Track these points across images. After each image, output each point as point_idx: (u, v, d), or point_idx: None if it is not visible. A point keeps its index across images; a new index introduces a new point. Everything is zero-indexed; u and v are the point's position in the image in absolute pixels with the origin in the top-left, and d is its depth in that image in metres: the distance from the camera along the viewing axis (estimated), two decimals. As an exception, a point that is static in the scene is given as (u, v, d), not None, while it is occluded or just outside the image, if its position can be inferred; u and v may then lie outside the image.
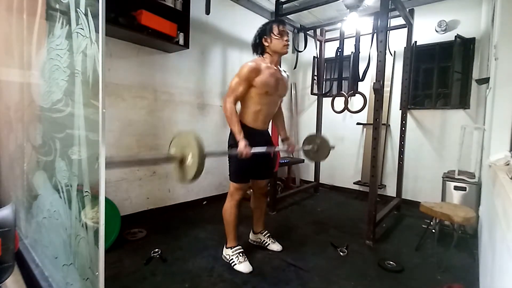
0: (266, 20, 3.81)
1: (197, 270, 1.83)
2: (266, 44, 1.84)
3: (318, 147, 2.41)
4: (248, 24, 3.67)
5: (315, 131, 3.92)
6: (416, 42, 3.32)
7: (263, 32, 1.84)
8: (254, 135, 1.88)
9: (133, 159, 1.16)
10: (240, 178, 1.89)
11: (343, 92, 3.12)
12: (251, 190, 2.18)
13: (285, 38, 1.82)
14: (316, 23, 4.02)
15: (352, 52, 2.95)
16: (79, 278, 1.03)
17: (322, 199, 3.71)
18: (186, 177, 1.30)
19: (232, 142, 1.89)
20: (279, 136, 2.25)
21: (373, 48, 2.62)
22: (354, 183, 3.89)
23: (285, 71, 2.00)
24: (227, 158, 1.94)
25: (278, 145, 2.81)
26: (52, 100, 1.20)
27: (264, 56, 1.88)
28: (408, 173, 3.43)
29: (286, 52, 1.87)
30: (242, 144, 1.68)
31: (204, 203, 3.26)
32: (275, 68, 1.88)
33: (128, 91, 2.53)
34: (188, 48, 2.70)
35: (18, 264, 1.40)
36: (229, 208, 1.93)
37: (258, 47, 1.88)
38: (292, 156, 4.49)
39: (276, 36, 1.80)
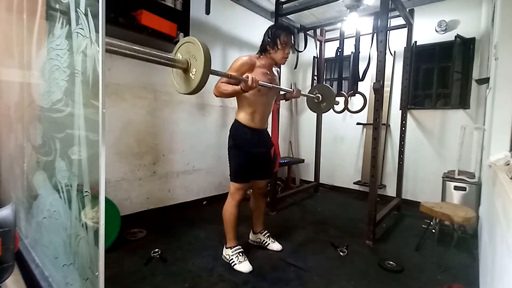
0: (266, 20, 3.88)
1: (197, 270, 1.83)
2: (269, 49, 1.86)
3: (323, 97, 2.39)
4: (248, 24, 3.68)
5: (315, 131, 3.92)
6: (416, 42, 3.32)
7: (271, 38, 1.85)
8: (252, 134, 1.89)
9: (133, 51, 1.10)
10: (240, 178, 1.89)
11: (343, 92, 3.12)
12: (251, 190, 2.19)
13: (287, 51, 1.86)
14: (316, 23, 4.02)
15: (352, 52, 2.96)
16: (79, 278, 1.03)
17: (322, 199, 3.71)
18: (189, 87, 1.23)
19: (233, 143, 1.90)
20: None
21: (373, 48, 2.63)
22: (354, 183, 3.89)
23: (276, 69, 2.03)
24: (228, 158, 1.94)
25: (277, 146, 2.81)
26: (52, 100, 1.20)
27: (261, 56, 1.90)
28: (408, 173, 3.43)
29: (283, 63, 1.94)
30: (249, 78, 1.61)
31: (204, 203, 3.26)
32: (268, 68, 1.91)
33: (128, 91, 2.53)
34: (188, 48, 2.70)
35: (18, 264, 1.40)
36: (229, 208, 1.93)
37: (263, 49, 1.90)
38: (292, 156, 4.49)
39: (279, 46, 1.83)
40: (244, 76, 1.63)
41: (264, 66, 1.87)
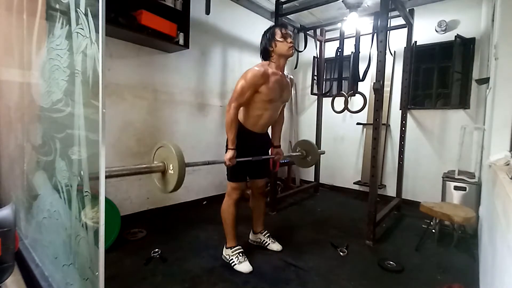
0: (266, 20, 3.88)
1: (197, 270, 1.83)
2: (271, 48, 1.81)
3: (307, 153, 2.42)
4: (248, 24, 3.68)
5: (315, 131, 3.92)
6: (416, 42, 3.32)
7: (267, 38, 1.83)
8: (252, 138, 1.89)
9: (115, 172, 1.19)
10: (236, 177, 1.90)
11: (343, 92, 3.12)
12: (251, 191, 2.19)
13: (289, 40, 1.80)
14: (316, 23, 4.02)
15: (352, 52, 2.95)
16: (79, 278, 1.03)
17: (322, 199, 3.71)
18: (167, 188, 1.35)
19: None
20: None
21: (373, 48, 2.63)
22: (354, 183, 3.89)
23: (289, 74, 1.98)
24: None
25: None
26: (52, 100, 1.20)
27: (270, 60, 1.85)
28: (408, 173, 3.43)
29: (292, 54, 1.85)
30: (229, 154, 1.75)
31: (204, 203, 3.27)
32: (281, 73, 1.85)
33: (128, 91, 2.53)
34: (188, 48, 2.70)
35: (18, 264, 1.39)
36: (227, 207, 1.94)
37: (265, 52, 1.86)
38: (290, 157, 4.49)
39: (279, 39, 1.79)
40: (227, 154, 1.76)
41: (275, 72, 1.81)
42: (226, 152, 1.87)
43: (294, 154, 2.46)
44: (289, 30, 1.85)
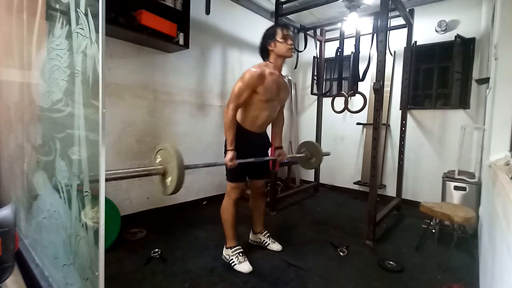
0: (266, 20, 3.88)
1: (197, 270, 1.83)
2: (270, 48, 1.82)
3: (312, 154, 2.41)
4: (248, 24, 3.68)
5: (315, 131, 3.92)
6: (416, 42, 3.32)
7: (267, 37, 1.83)
8: (251, 138, 1.90)
9: (115, 175, 1.20)
10: (235, 177, 1.90)
11: (343, 92, 3.12)
12: (250, 191, 2.19)
13: (289, 42, 1.80)
14: (316, 23, 4.02)
15: (352, 52, 2.95)
16: (79, 278, 1.03)
17: (322, 199, 3.71)
18: (167, 190, 1.36)
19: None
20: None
21: (373, 48, 2.63)
22: (354, 183, 3.89)
23: (287, 76, 1.98)
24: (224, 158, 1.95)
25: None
26: (52, 100, 1.20)
27: (268, 60, 1.86)
28: (408, 173, 3.43)
29: (291, 56, 1.86)
30: (229, 155, 1.74)
31: (204, 203, 3.26)
32: (278, 74, 1.86)
33: (128, 91, 2.53)
34: (188, 48, 2.70)
35: (18, 264, 1.39)
36: (226, 207, 1.94)
37: (264, 51, 1.87)
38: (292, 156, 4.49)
39: (280, 40, 1.79)
40: (227, 155, 1.76)
41: (273, 73, 1.82)
42: (225, 154, 1.87)
43: (298, 155, 2.45)
44: (290, 31, 1.85)
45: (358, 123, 3.89)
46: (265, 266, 1.92)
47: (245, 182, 1.99)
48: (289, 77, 2.02)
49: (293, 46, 1.82)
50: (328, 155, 2.54)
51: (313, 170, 4.03)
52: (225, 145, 1.84)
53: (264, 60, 1.89)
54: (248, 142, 1.88)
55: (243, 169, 1.90)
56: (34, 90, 1.47)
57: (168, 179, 1.35)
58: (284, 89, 1.91)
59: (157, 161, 1.42)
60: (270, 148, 2.14)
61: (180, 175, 1.31)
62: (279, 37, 1.79)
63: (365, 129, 3.91)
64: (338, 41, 3.16)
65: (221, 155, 2.01)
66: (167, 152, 1.37)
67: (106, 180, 0.84)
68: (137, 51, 2.58)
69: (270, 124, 2.07)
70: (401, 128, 3.21)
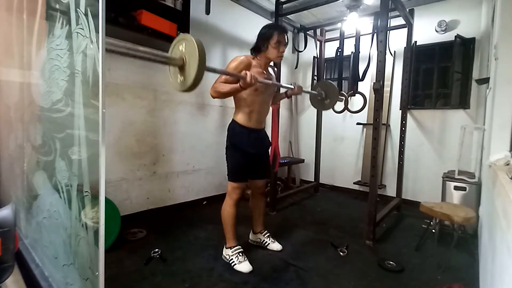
0: (266, 20, 3.87)
1: (197, 270, 1.83)
2: (262, 49, 1.87)
3: (326, 94, 2.36)
4: (248, 24, 3.67)
5: (315, 131, 3.92)
6: (416, 42, 3.32)
7: (263, 38, 1.86)
8: (249, 134, 1.90)
9: (130, 50, 1.11)
10: (237, 177, 1.91)
11: (343, 92, 3.12)
12: (250, 191, 2.19)
13: (281, 50, 1.86)
14: (316, 23, 4.02)
15: (352, 52, 2.96)
16: (79, 278, 1.03)
17: (322, 199, 3.71)
18: (186, 83, 1.24)
19: (229, 143, 1.91)
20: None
21: (373, 48, 2.63)
22: (354, 183, 3.89)
23: (271, 66, 2.00)
24: (225, 158, 1.96)
25: (277, 146, 2.81)
26: (52, 100, 1.20)
27: (256, 56, 1.91)
28: (408, 173, 3.43)
29: (279, 61, 1.92)
30: (248, 74, 1.58)
31: (204, 203, 3.26)
32: (262, 69, 1.91)
33: (128, 91, 2.53)
34: (188, 48, 2.70)
35: (18, 264, 1.39)
36: (227, 207, 1.94)
37: (255, 48, 1.91)
38: (292, 156, 4.49)
39: (273, 45, 1.83)
40: (242, 73, 1.61)
41: (260, 66, 1.88)
42: (226, 152, 1.89)
43: (313, 92, 2.40)
44: (286, 38, 1.88)
45: (358, 123, 3.89)
46: (265, 266, 1.92)
47: (246, 182, 2.00)
48: (274, 68, 2.04)
49: (283, 54, 1.88)
50: (342, 100, 2.45)
51: (313, 170, 4.03)
52: (226, 142, 1.90)
53: (251, 54, 1.93)
54: (247, 138, 1.89)
55: (245, 168, 1.91)
56: (34, 90, 1.47)
57: (186, 72, 1.23)
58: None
59: (175, 54, 1.29)
60: (272, 147, 2.15)
61: (201, 68, 1.19)
62: (273, 41, 1.83)
63: (365, 129, 3.91)
64: (338, 41, 3.16)
65: (222, 155, 2.02)
66: (188, 44, 1.24)
67: (107, 51, 0.78)
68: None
69: (270, 124, 2.07)
70: (401, 128, 3.21)
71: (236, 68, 1.76)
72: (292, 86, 2.09)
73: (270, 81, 1.83)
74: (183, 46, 1.27)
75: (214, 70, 1.46)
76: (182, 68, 1.25)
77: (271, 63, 2.03)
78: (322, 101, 2.42)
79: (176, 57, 1.25)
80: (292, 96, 4.45)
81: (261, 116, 1.95)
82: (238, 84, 1.64)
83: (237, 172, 1.90)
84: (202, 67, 1.20)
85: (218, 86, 1.75)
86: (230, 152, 1.92)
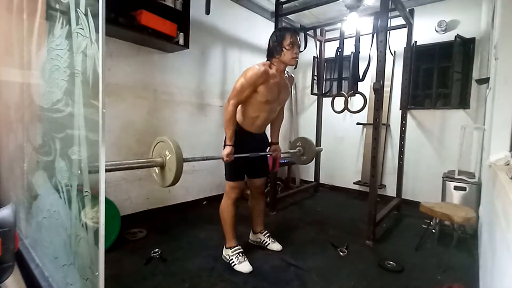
0: (266, 20, 3.88)
1: (197, 270, 1.83)
2: (276, 53, 1.79)
3: (304, 150, 2.43)
4: (248, 24, 3.68)
5: (315, 131, 3.92)
6: (416, 42, 3.32)
7: (276, 41, 1.78)
8: (249, 138, 1.91)
9: (114, 166, 1.21)
10: (234, 176, 1.91)
11: (343, 92, 3.12)
12: (249, 190, 2.19)
13: (295, 51, 1.77)
14: (316, 23, 4.02)
15: (352, 52, 2.95)
16: (79, 278, 1.03)
17: (322, 199, 3.71)
18: (166, 182, 1.38)
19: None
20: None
21: (373, 48, 2.62)
22: (354, 183, 3.89)
23: (288, 73, 1.95)
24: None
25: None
26: (52, 100, 1.20)
27: (271, 62, 1.82)
28: (408, 173, 3.43)
29: (294, 65, 1.83)
30: (227, 150, 1.77)
31: (204, 203, 3.26)
32: (280, 76, 1.84)
33: (128, 91, 2.53)
34: (188, 48, 2.70)
35: (18, 264, 1.39)
36: (226, 207, 1.94)
37: (269, 54, 1.83)
38: (290, 156, 4.49)
39: (286, 47, 1.75)
40: (224, 152, 1.77)
41: (276, 76, 1.81)
42: (224, 149, 1.88)
43: (292, 151, 2.48)
44: (298, 39, 1.81)
45: (358, 123, 3.89)
46: (265, 266, 1.92)
47: (244, 182, 2.00)
48: (292, 74, 2.01)
49: (297, 56, 1.80)
50: (321, 151, 2.55)
51: (313, 170, 4.03)
52: (225, 141, 1.85)
53: (268, 60, 1.86)
54: (247, 142, 1.89)
55: (242, 167, 1.91)
56: (34, 90, 1.47)
57: (167, 171, 1.38)
58: (284, 90, 1.91)
59: (155, 154, 1.44)
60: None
61: (179, 166, 1.33)
62: (286, 43, 1.75)
63: (365, 129, 3.91)
64: (338, 41, 3.16)
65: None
66: (166, 144, 1.38)
67: (106, 171, 0.85)
68: (137, 51, 2.58)
69: (268, 127, 2.07)
70: (401, 128, 3.21)
71: (255, 83, 1.73)
72: (270, 153, 2.12)
73: (248, 155, 1.85)
74: (161, 147, 1.42)
75: (193, 159, 1.66)
76: (163, 167, 1.40)
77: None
78: (299, 157, 2.47)
79: (156, 159, 1.40)
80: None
81: (264, 123, 1.95)
82: (226, 140, 1.80)
83: (234, 171, 1.90)
84: (180, 163, 1.35)
85: (228, 112, 1.77)
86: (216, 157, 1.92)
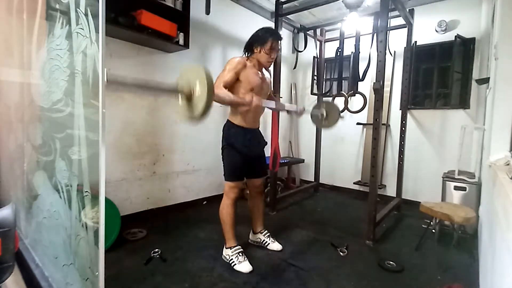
0: (266, 20, 3.88)
1: (197, 270, 1.83)
2: (255, 50, 1.90)
3: (327, 113, 2.37)
4: (248, 24, 3.67)
5: (315, 131, 3.92)
6: (416, 42, 3.32)
7: (257, 41, 1.89)
8: (245, 134, 1.91)
9: (137, 82, 1.13)
10: (233, 176, 1.91)
11: (343, 92, 3.12)
12: (248, 190, 2.19)
13: (273, 56, 1.91)
14: (316, 23, 4.02)
15: (352, 52, 2.95)
16: (79, 278, 1.03)
17: (322, 199, 3.71)
18: (195, 112, 1.24)
19: (225, 143, 1.93)
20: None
21: (373, 48, 2.63)
22: (354, 183, 3.89)
23: (266, 71, 2.06)
24: (221, 158, 1.97)
25: (277, 146, 2.80)
26: (52, 100, 1.20)
27: (248, 56, 1.94)
28: (408, 173, 3.43)
29: (268, 67, 1.99)
30: (250, 97, 1.72)
31: (204, 203, 3.27)
32: (259, 71, 1.94)
33: (128, 91, 2.53)
34: (188, 48, 2.70)
35: (18, 264, 1.40)
36: (225, 207, 1.94)
37: (248, 49, 1.94)
38: (292, 156, 4.49)
39: (266, 50, 1.87)
40: (247, 98, 1.72)
41: (254, 67, 1.91)
42: (222, 150, 1.90)
43: (314, 113, 2.41)
44: (279, 45, 1.94)
45: (358, 123, 3.89)
46: (265, 266, 1.92)
47: (244, 182, 2.00)
48: (267, 73, 2.07)
49: (273, 60, 1.93)
50: (342, 118, 2.47)
51: (313, 170, 4.03)
52: (222, 142, 1.93)
53: (244, 54, 1.96)
54: (242, 138, 1.91)
55: (241, 167, 1.92)
56: (34, 90, 1.47)
57: (196, 100, 1.23)
58: (265, 81, 1.98)
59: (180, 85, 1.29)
60: (272, 147, 2.15)
61: (210, 93, 1.19)
62: (267, 47, 1.86)
63: (365, 129, 3.91)
64: (338, 41, 3.16)
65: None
66: (191, 72, 1.25)
67: (108, 82, 0.80)
68: (137, 51, 2.58)
69: (270, 124, 2.07)
70: (401, 128, 3.21)
71: (236, 67, 1.80)
72: (296, 110, 2.18)
73: (274, 106, 1.90)
74: (190, 76, 1.27)
75: (223, 99, 1.63)
76: (189, 97, 1.26)
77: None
78: (321, 120, 2.41)
79: (184, 87, 1.25)
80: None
81: (255, 116, 1.97)
82: (245, 105, 1.74)
83: (233, 171, 1.91)
84: (211, 95, 1.21)
85: (219, 92, 1.70)
86: (226, 151, 1.93)
